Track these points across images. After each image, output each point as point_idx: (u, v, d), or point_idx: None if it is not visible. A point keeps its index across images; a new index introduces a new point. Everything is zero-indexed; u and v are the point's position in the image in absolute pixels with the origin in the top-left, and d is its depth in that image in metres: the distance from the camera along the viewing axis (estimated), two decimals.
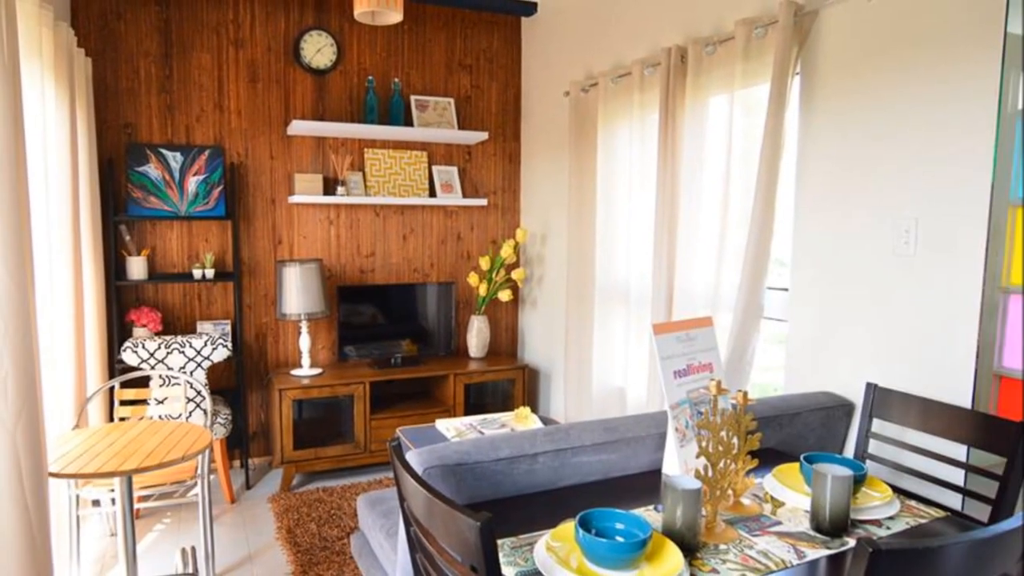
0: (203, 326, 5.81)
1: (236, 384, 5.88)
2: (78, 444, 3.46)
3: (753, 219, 3.83)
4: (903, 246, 3.26)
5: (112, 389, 4.46)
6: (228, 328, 5.88)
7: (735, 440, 2.47)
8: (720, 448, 2.43)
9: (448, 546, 1.94)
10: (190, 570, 2.56)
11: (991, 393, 3.09)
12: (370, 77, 6.15)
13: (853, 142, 3.51)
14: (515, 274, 6.52)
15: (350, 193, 6.10)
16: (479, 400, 6.75)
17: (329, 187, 6.15)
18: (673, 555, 2.07)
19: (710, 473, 2.39)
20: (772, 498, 2.63)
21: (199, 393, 4.94)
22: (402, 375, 5.93)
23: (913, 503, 2.66)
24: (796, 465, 2.84)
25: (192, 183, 5.60)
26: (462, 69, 6.65)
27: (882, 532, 2.41)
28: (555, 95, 6.25)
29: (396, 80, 6.28)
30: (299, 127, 5.86)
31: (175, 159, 5.56)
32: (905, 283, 3.27)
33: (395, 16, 3.53)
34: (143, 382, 5.00)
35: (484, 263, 6.50)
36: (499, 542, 2.20)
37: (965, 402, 3.03)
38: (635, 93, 4.85)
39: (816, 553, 2.23)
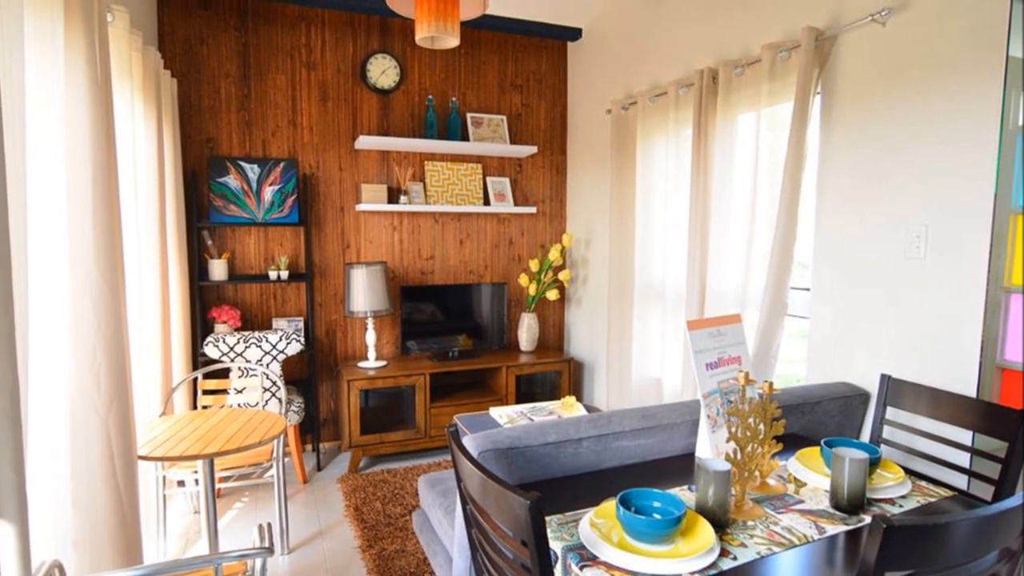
0: (278, 322, 5.83)
1: (308, 375, 5.89)
2: (164, 430, 3.51)
3: (778, 225, 3.83)
4: (914, 250, 3.27)
5: (195, 380, 4.52)
6: (301, 324, 5.90)
7: (761, 426, 2.48)
8: (748, 433, 2.45)
9: (501, 523, 1.97)
10: (267, 544, 2.59)
11: (994, 383, 3.09)
12: (430, 96, 6.22)
13: (869, 155, 3.52)
14: (562, 275, 6.61)
15: (412, 202, 6.17)
16: (529, 390, 6.76)
17: (393, 196, 6.23)
18: (705, 530, 2.11)
19: (739, 456, 2.42)
20: (795, 479, 2.65)
21: (274, 383, 4.96)
22: (459, 367, 5.94)
23: (923, 483, 2.67)
24: (817, 449, 2.86)
25: (268, 192, 5.66)
26: (513, 89, 6.71)
27: (895, 510, 2.42)
28: (598, 112, 6.33)
29: (454, 99, 6.36)
30: (365, 142, 5.93)
31: (252, 170, 5.59)
32: (916, 284, 3.28)
33: (453, 41, 3.54)
34: (224, 373, 5.09)
35: (533, 265, 6.55)
36: (547, 519, 2.24)
37: (970, 391, 3.04)
38: (671, 111, 4.85)
39: (835, 529, 2.25)
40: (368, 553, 4.16)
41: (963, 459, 3.08)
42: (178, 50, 5.46)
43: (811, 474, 2.65)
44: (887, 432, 3.37)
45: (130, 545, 2.83)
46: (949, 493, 2.58)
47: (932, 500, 2.52)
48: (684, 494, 2.56)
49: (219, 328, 5.47)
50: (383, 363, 5.93)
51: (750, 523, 2.30)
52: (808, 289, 3.96)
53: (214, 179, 5.51)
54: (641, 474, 2.84)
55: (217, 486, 4.47)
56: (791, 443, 3.11)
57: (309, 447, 6.06)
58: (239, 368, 4.93)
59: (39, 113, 2.47)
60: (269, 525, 4.16)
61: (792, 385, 3.70)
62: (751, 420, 2.47)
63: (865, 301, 3.57)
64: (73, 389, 2.59)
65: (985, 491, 2.89)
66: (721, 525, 2.24)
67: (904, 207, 3.34)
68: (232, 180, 5.55)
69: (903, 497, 2.53)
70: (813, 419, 3.40)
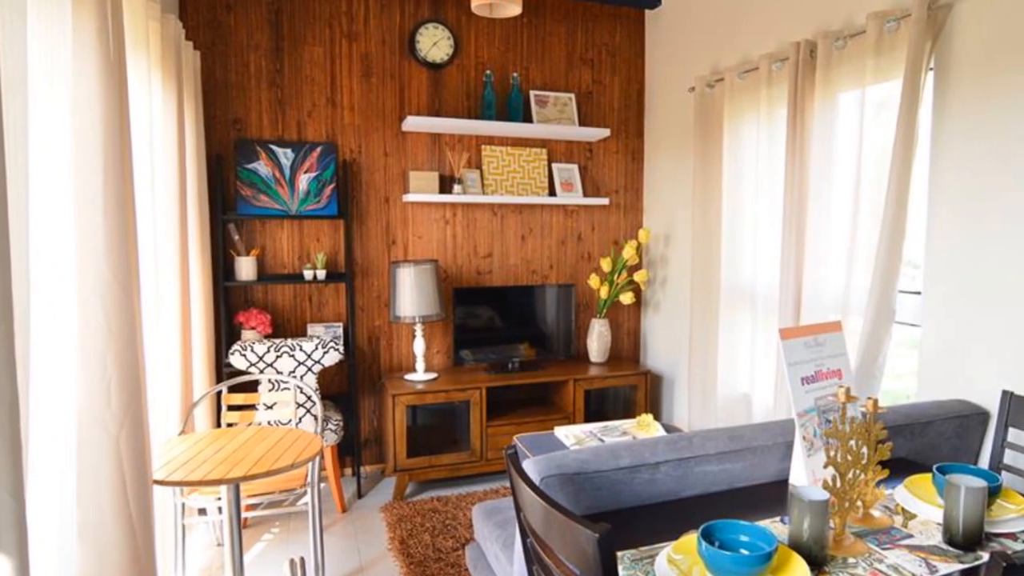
0: (314, 329, 5.89)
1: (348, 389, 5.97)
2: (184, 451, 3.52)
3: (884, 219, 3.84)
4: None
5: (219, 394, 4.55)
6: (340, 331, 5.96)
7: (864, 450, 2.50)
8: (849, 458, 2.47)
9: (566, 558, 1.97)
10: None
11: None
12: (488, 71, 6.24)
13: (991, 141, 3.50)
14: (637, 276, 6.59)
15: (467, 191, 6.21)
16: (600, 407, 6.78)
17: (445, 185, 6.27)
18: (799, 569, 2.11)
19: (838, 484, 2.44)
20: (903, 510, 2.65)
21: (309, 398, 4.98)
22: (520, 380, 6.01)
23: None
24: (928, 476, 2.87)
25: (303, 180, 5.74)
26: (583, 63, 6.71)
27: (1017, 546, 2.41)
28: (679, 90, 6.34)
29: (515, 74, 6.36)
30: (414, 123, 5.94)
31: (286, 156, 5.66)
32: None
33: (514, 8, 3.53)
34: (251, 387, 5.10)
35: (605, 265, 6.54)
36: (619, 554, 2.26)
37: None
38: (762, 89, 4.90)
39: (948, 567, 2.25)
40: None
41: None
42: (201, 18, 5.54)
43: (922, 505, 2.66)
44: (1009, 457, 3.37)
45: None
46: None
47: None
48: (775, 527, 2.59)
49: (246, 335, 5.54)
50: (433, 375, 5.97)
51: (851, 560, 2.31)
52: (919, 292, 3.96)
53: (242, 165, 5.57)
54: (727, 504, 2.87)
55: (243, 515, 4.51)
56: (899, 469, 3.12)
57: (348, 471, 6.12)
58: (269, 380, 4.97)
59: (43, 91, 2.46)
60: (302, 560, 4.20)
61: (900, 403, 3.70)
62: (852, 443, 2.49)
63: (987, 306, 3.56)
64: (80, 404, 2.60)
65: None
66: (818, 563, 2.25)
67: None
68: (262, 166, 5.61)
69: None
70: (924, 442, 3.40)
